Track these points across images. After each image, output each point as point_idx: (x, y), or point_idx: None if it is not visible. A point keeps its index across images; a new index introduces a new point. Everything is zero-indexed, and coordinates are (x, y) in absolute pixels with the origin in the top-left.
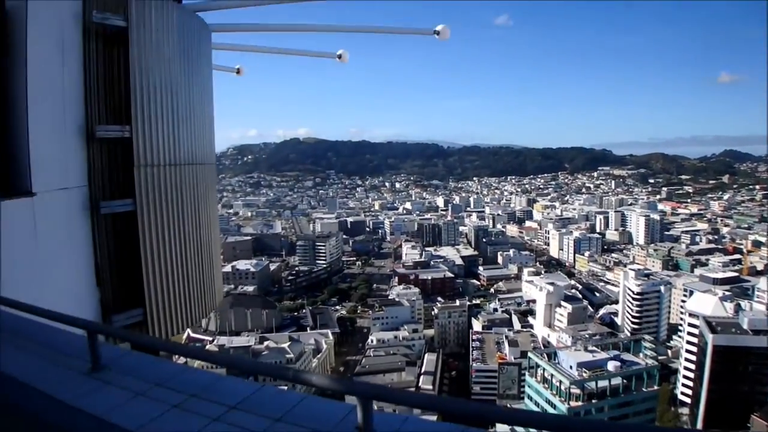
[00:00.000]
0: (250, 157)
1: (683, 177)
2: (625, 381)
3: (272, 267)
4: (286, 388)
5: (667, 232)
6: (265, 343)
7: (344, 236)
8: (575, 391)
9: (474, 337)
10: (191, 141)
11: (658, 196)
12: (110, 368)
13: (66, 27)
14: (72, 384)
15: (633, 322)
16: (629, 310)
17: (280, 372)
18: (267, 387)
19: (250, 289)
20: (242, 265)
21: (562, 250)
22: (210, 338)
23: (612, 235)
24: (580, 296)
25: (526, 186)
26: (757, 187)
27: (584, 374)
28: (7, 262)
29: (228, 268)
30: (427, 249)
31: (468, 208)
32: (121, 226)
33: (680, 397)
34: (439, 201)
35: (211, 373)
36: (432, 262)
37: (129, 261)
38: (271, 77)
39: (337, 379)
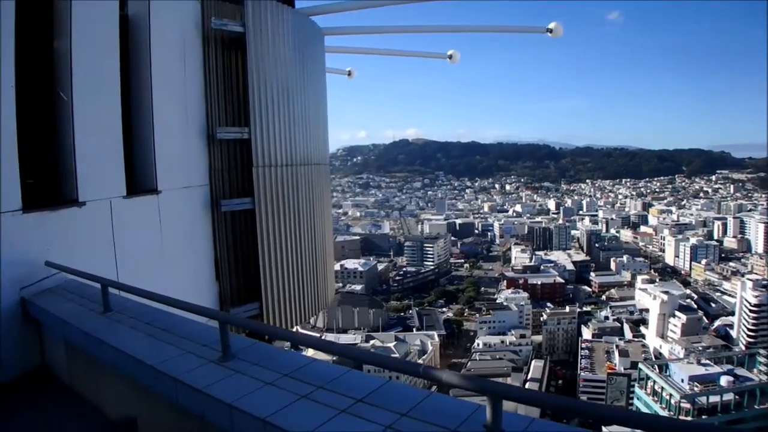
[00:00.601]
0: (359, 158)
1: None
2: (737, 397)
3: (380, 267)
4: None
5: None
6: (372, 341)
7: (452, 238)
8: (685, 405)
9: (583, 345)
10: (306, 142)
11: None
12: (239, 358)
13: (186, 33)
14: (204, 372)
15: (749, 335)
16: (745, 323)
17: (410, 367)
18: (392, 382)
19: (358, 288)
20: (351, 264)
21: (677, 257)
22: (318, 335)
23: (730, 242)
24: (695, 306)
25: (642, 189)
26: None
27: (695, 388)
28: (136, 255)
29: (337, 267)
30: (537, 253)
31: (580, 212)
32: (239, 223)
33: None
34: (551, 204)
35: (337, 367)
36: (542, 267)
37: (246, 257)
38: (381, 78)
39: (467, 377)
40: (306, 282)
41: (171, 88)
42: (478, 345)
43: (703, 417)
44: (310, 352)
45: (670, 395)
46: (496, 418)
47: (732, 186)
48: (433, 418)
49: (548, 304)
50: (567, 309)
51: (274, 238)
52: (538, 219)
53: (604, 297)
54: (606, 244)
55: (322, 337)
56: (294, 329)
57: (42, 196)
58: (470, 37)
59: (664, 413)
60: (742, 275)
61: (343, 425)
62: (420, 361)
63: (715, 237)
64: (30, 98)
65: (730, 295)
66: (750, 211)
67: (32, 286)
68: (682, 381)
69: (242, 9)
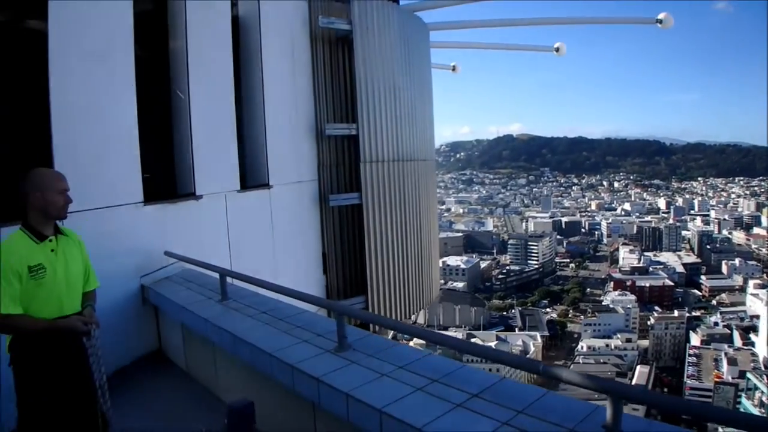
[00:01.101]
0: (462, 154)
1: None
2: None
3: (482, 264)
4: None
5: None
6: (472, 340)
7: (558, 236)
8: None
9: (691, 351)
10: (412, 138)
11: None
12: (354, 348)
13: (295, 32)
14: (320, 361)
15: None
16: None
17: (529, 364)
18: (507, 380)
19: (460, 285)
20: (453, 260)
21: None
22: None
23: None
24: None
25: (755, 188)
26: None
27: None
28: (249, 247)
29: (439, 263)
30: (645, 254)
31: (692, 211)
32: (346, 217)
33: None
34: (661, 203)
35: (452, 361)
36: (651, 268)
37: (353, 251)
38: (485, 73)
39: (589, 376)
40: (411, 277)
41: (281, 86)
42: (581, 347)
43: None
44: (412, 344)
45: None
46: (616, 419)
47: None
48: (550, 416)
49: (656, 308)
50: (675, 313)
51: (381, 233)
52: (648, 218)
53: (714, 302)
54: (718, 245)
55: None
56: None
57: (161, 190)
58: (578, 30)
59: None
60: None
61: (459, 419)
62: None
63: None
64: (149, 97)
65: None
66: None
67: (152, 274)
68: None
69: (348, 7)
